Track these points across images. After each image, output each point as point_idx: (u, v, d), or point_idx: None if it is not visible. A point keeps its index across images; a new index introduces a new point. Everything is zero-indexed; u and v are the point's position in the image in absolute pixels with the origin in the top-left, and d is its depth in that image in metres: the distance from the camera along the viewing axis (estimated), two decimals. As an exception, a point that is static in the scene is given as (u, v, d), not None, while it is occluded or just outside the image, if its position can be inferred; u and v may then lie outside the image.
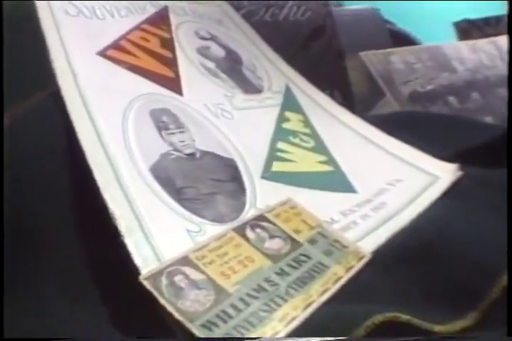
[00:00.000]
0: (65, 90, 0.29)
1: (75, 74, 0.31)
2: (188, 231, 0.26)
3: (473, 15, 0.81)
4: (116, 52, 0.34)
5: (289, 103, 0.40)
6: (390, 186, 0.34)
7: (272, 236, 0.27)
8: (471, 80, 0.63)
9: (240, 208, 0.29)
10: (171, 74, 0.36)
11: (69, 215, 0.27)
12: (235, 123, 0.35)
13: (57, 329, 0.22)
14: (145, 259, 0.23)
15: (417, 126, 0.44)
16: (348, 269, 0.26)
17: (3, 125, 0.29)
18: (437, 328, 0.22)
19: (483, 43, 0.69)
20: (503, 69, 0.65)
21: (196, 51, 0.39)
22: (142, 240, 0.24)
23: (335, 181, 0.34)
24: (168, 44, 0.38)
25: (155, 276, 0.23)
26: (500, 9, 0.76)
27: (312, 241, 0.27)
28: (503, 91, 0.61)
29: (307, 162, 0.35)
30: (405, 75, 0.59)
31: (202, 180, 0.29)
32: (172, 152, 0.29)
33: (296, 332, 0.22)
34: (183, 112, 0.33)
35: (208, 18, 0.44)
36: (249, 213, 0.28)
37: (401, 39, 0.77)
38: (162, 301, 0.22)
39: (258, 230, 0.27)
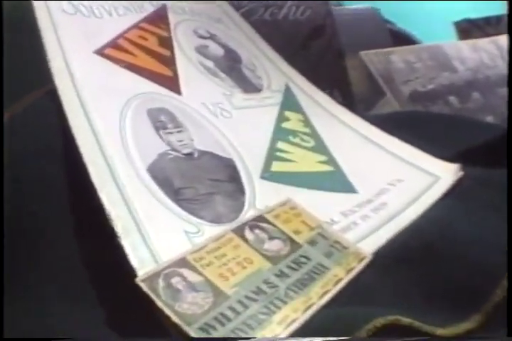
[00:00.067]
0: (61, 89, 0.29)
1: (72, 73, 0.30)
2: (185, 233, 0.25)
3: (473, 15, 0.81)
4: (113, 51, 0.34)
5: (289, 102, 0.40)
6: (390, 186, 0.34)
7: (271, 238, 0.26)
8: (471, 80, 0.63)
9: (239, 209, 0.28)
10: (169, 73, 0.35)
11: (65, 215, 0.27)
12: (234, 122, 0.34)
13: (53, 329, 0.22)
14: (142, 261, 0.23)
15: (417, 125, 0.43)
16: (349, 271, 0.26)
17: (3, 125, 0.28)
18: (439, 331, 0.22)
19: (483, 43, 0.69)
20: (504, 69, 0.65)
21: (195, 50, 0.39)
22: (139, 241, 0.24)
23: (335, 181, 0.34)
24: (167, 43, 0.38)
25: (152, 278, 0.22)
26: (501, 9, 0.76)
27: (312, 243, 0.27)
28: (504, 91, 0.61)
29: (307, 162, 0.35)
30: (406, 75, 0.59)
31: (200, 180, 0.29)
32: (170, 152, 0.29)
33: (296, 335, 0.22)
34: (182, 111, 0.32)
35: (207, 16, 0.44)
36: (248, 214, 0.28)
37: (401, 39, 0.77)
38: (159, 304, 0.21)
39: (257, 231, 0.26)
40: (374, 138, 0.39)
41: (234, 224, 0.27)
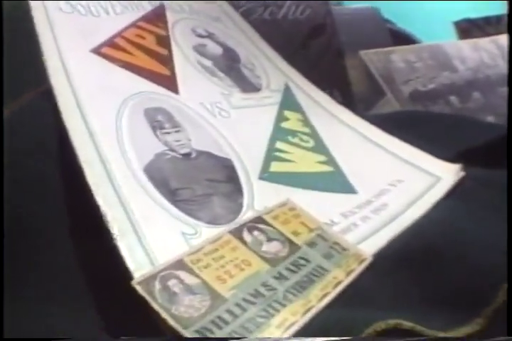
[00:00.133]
0: (57, 89, 0.29)
1: (68, 72, 0.30)
2: (182, 234, 0.25)
3: (473, 15, 0.81)
4: (110, 50, 0.34)
5: (288, 102, 0.40)
6: (391, 187, 0.34)
7: (269, 239, 0.26)
8: (472, 79, 0.63)
9: (237, 210, 0.28)
10: (166, 72, 0.35)
11: (61, 216, 0.26)
12: (232, 122, 0.34)
13: (47, 330, 0.22)
14: (138, 263, 0.23)
15: (418, 125, 0.43)
16: (349, 273, 0.26)
17: (3, 124, 0.28)
18: (441, 335, 0.21)
19: (484, 42, 0.69)
20: (505, 68, 0.65)
21: (193, 49, 0.38)
22: (135, 243, 0.24)
23: (335, 182, 0.34)
24: (164, 41, 0.37)
25: (148, 281, 0.22)
26: (501, 9, 0.75)
27: (311, 244, 0.27)
28: (505, 91, 0.61)
29: (306, 162, 0.35)
30: (406, 74, 0.59)
31: (198, 181, 0.28)
32: (167, 152, 0.29)
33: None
34: (179, 111, 0.32)
35: (206, 15, 0.43)
36: (246, 215, 0.28)
37: (401, 38, 0.77)
38: (155, 307, 0.21)
39: (255, 233, 0.26)
40: (374, 138, 0.39)
41: (232, 226, 0.26)
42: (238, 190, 0.29)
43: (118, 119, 0.29)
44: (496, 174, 0.34)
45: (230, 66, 0.39)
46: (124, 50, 0.34)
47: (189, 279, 0.22)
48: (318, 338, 0.21)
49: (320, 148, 0.36)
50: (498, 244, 0.26)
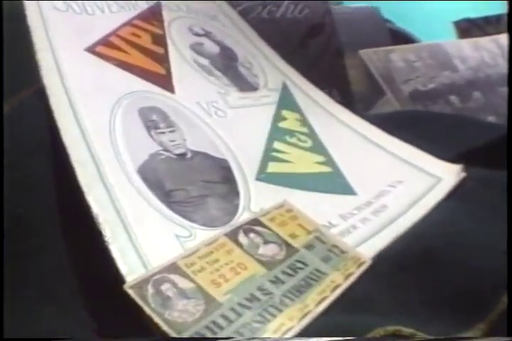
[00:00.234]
0: (49, 88, 0.28)
1: (61, 71, 0.30)
2: (177, 237, 0.25)
3: (473, 15, 0.81)
4: (105, 49, 0.33)
5: (286, 101, 0.39)
6: (390, 188, 0.33)
7: (266, 242, 0.25)
8: (472, 79, 0.63)
9: (233, 211, 0.27)
10: (162, 71, 0.34)
11: (52, 217, 0.26)
12: (228, 122, 0.33)
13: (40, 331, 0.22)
14: (130, 266, 0.22)
15: (418, 125, 0.43)
16: (347, 276, 0.25)
17: (3, 124, 0.28)
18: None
19: (484, 41, 0.68)
20: (505, 68, 0.64)
21: (189, 47, 0.38)
22: (128, 246, 0.23)
23: (333, 183, 0.33)
24: (160, 40, 0.37)
25: (141, 285, 0.21)
26: (501, 9, 0.75)
27: (309, 247, 0.26)
28: (506, 90, 0.60)
29: (304, 162, 0.34)
30: (406, 74, 0.58)
31: (193, 182, 0.28)
32: (161, 152, 0.28)
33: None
34: (174, 110, 0.31)
35: (203, 14, 0.43)
36: (242, 217, 0.27)
37: (401, 38, 0.77)
38: (148, 311, 0.21)
39: (252, 235, 0.25)
40: (374, 139, 0.38)
41: (227, 228, 0.26)
42: (234, 191, 0.29)
43: (111, 119, 0.28)
44: (497, 174, 0.33)
45: (227, 65, 0.39)
46: (119, 49, 0.34)
47: (183, 283, 0.22)
48: (322, 338, 0.21)
49: (318, 148, 0.36)
50: (501, 246, 0.26)
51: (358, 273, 0.25)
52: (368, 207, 0.31)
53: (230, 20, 0.45)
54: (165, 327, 0.20)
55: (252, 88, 0.38)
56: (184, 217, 0.26)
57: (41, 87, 0.29)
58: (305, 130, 0.37)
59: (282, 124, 0.36)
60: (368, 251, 0.27)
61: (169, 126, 0.30)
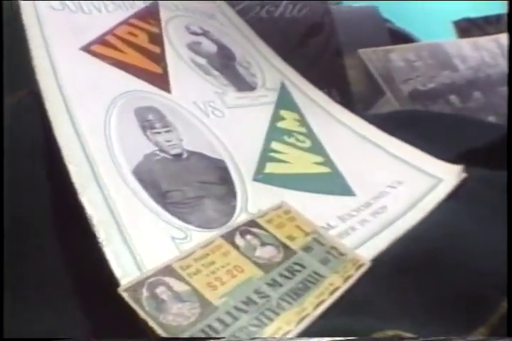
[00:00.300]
0: (44, 87, 0.28)
1: (56, 70, 0.29)
2: (172, 238, 0.24)
3: (473, 15, 0.81)
4: (101, 48, 0.33)
5: (284, 101, 0.39)
6: (390, 189, 0.33)
7: (263, 244, 0.25)
8: (472, 79, 0.62)
9: (230, 213, 0.27)
10: (158, 70, 0.34)
11: (47, 218, 0.26)
12: (226, 122, 0.33)
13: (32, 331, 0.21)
14: (125, 269, 0.22)
15: (418, 125, 0.42)
16: (346, 279, 0.25)
17: (3, 124, 0.27)
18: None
19: (484, 41, 0.68)
20: (506, 68, 0.64)
21: (187, 46, 0.38)
22: (122, 248, 0.23)
23: (332, 183, 0.33)
24: (157, 39, 0.37)
25: (135, 288, 0.21)
26: (501, 9, 0.75)
27: (307, 249, 0.26)
28: (506, 90, 0.60)
29: (303, 163, 0.34)
30: (405, 73, 0.58)
31: (189, 183, 0.27)
32: (157, 152, 0.28)
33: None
34: (171, 110, 0.31)
35: (200, 12, 0.42)
36: (239, 218, 0.27)
37: (400, 38, 0.77)
38: (142, 315, 0.20)
39: (248, 237, 0.25)
40: (373, 139, 0.38)
41: (224, 230, 0.25)
42: (231, 192, 0.28)
43: (107, 118, 0.28)
44: (498, 175, 0.33)
45: (225, 64, 0.38)
46: (115, 48, 0.33)
47: (178, 286, 0.22)
48: (323, 338, 0.20)
49: (317, 148, 0.35)
50: (503, 248, 0.25)
51: (357, 275, 0.25)
52: (367, 208, 0.31)
53: (228, 19, 0.44)
54: (159, 331, 0.20)
55: (250, 88, 0.38)
56: (180, 218, 0.25)
57: (35, 86, 0.28)
58: (303, 130, 0.37)
59: (280, 124, 0.36)
60: (367, 253, 0.26)
61: (165, 126, 0.29)
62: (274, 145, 0.34)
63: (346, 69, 0.55)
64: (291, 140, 0.35)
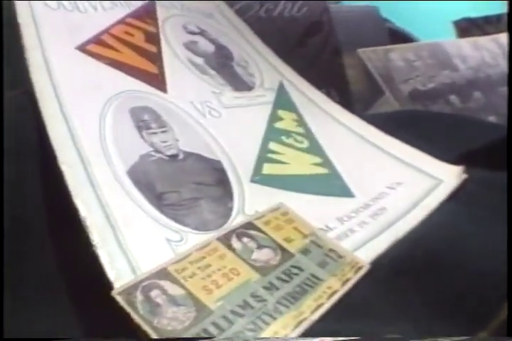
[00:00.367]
0: (38, 87, 0.28)
1: (51, 70, 0.29)
2: (167, 241, 0.24)
3: (473, 15, 0.80)
4: (96, 47, 0.33)
5: (282, 101, 0.38)
6: (390, 190, 0.32)
7: (260, 246, 0.25)
8: (473, 79, 0.62)
9: (226, 214, 0.26)
10: (154, 69, 0.34)
11: (40, 220, 0.25)
12: (223, 122, 0.33)
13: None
14: (119, 272, 0.21)
15: (417, 125, 0.42)
16: (345, 282, 0.24)
17: (3, 123, 0.27)
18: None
19: (485, 41, 0.68)
20: (506, 68, 0.64)
21: (183, 46, 0.37)
22: (116, 250, 0.22)
23: (330, 185, 0.32)
24: (154, 38, 0.36)
25: (129, 291, 0.21)
26: (501, 9, 0.74)
27: (305, 251, 0.25)
28: (506, 90, 0.60)
29: (301, 164, 0.33)
30: (405, 73, 0.58)
31: (185, 184, 0.27)
32: (153, 153, 0.27)
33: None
34: (167, 110, 0.30)
35: (198, 12, 0.42)
36: (236, 220, 0.26)
37: (400, 38, 0.76)
38: (136, 318, 0.20)
39: (245, 239, 0.25)
40: (372, 139, 0.38)
41: (221, 232, 0.25)
42: (228, 194, 0.28)
43: (101, 119, 0.28)
44: (498, 176, 0.32)
45: (222, 63, 0.38)
46: (110, 47, 0.33)
47: (173, 289, 0.21)
48: (326, 338, 0.20)
49: (315, 149, 0.35)
50: (501, 248, 0.25)
51: (355, 278, 0.24)
52: (367, 209, 0.30)
53: (226, 18, 0.44)
54: (154, 335, 0.19)
55: (248, 87, 0.38)
56: (176, 220, 0.25)
57: (30, 86, 0.28)
58: (301, 130, 0.36)
59: (278, 124, 0.36)
60: (366, 255, 0.26)
61: (161, 127, 0.29)
62: (272, 145, 0.33)
63: (345, 68, 0.55)
64: (289, 140, 0.34)
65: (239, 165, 0.30)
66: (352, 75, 0.55)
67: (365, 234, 0.28)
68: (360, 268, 0.25)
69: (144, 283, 0.21)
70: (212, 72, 0.36)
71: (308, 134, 0.36)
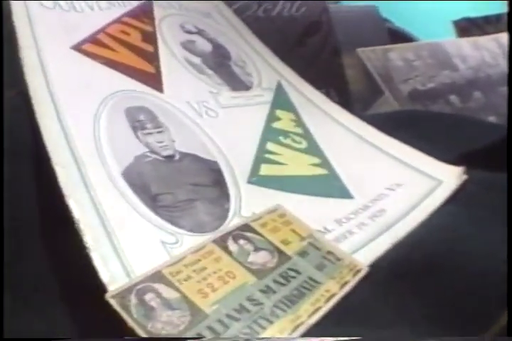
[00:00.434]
0: (32, 87, 0.27)
1: (45, 69, 0.29)
2: (162, 243, 0.23)
3: (473, 15, 0.80)
4: (92, 47, 0.32)
5: (280, 101, 0.38)
6: (389, 191, 0.32)
7: (257, 249, 0.24)
8: (473, 78, 0.62)
9: (223, 216, 0.26)
10: (151, 69, 0.33)
11: (33, 221, 0.25)
12: (220, 122, 0.32)
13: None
14: (113, 275, 0.21)
15: (417, 125, 0.42)
16: (343, 285, 0.24)
17: (3, 124, 0.27)
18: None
19: (485, 40, 0.67)
20: (506, 68, 0.63)
21: (181, 45, 0.37)
22: (110, 253, 0.22)
23: (329, 186, 0.32)
24: (150, 38, 0.36)
25: (123, 294, 0.20)
26: (501, 9, 0.74)
27: (302, 254, 0.25)
28: (506, 90, 0.59)
29: (299, 165, 0.33)
30: (405, 73, 0.57)
31: (180, 185, 0.26)
32: (148, 154, 0.27)
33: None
34: (163, 110, 0.30)
35: (196, 11, 0.42)
36: (232, 222, 0.26)
37: (399, 37, 0.76)
38: (130, 322, 0.20)
39: (241, 242, 0.24)
40: (371, 139, 0.37)
41: (217, 234, 0.24)
42: (224, 195, 0.27)
43: (96, 119, 0.27)
44: (498, 176, 0.32)
45: (220, 63, 0.38)
46: (106, 47, 0.33)
47: (168, 293, 0.21)
48: (326, 338, 0.20)
49: (313, 149, 0.35)
50: (501, 250, 0.24)
51: (354, 281, 0.24)
52: (365, 211, 0.30)
53: (224, 18, 0.44)
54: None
55: (245, 87, 0.37)
56: (171, 222, 0.24)
57: (24, 87, 0.28)
58: (300, 130, 0.36)
59: (276, 125, 0.35)
60: (365, 257, 0.26)
61: (157, 127, 0.29)
62: (270, 146, 0.33)
63: (345, 68, 0.55)
64: (287, 141, 0.34)
65: (236, 166, 0.29)
66: (351, 75, 0.55)
67: (363, 236, 0.27)
68: (358, 270, 0.25)
69: (138, 286, 0.21)
70: (210, 72, 0.36)
71: (307, 134, 0.36)
